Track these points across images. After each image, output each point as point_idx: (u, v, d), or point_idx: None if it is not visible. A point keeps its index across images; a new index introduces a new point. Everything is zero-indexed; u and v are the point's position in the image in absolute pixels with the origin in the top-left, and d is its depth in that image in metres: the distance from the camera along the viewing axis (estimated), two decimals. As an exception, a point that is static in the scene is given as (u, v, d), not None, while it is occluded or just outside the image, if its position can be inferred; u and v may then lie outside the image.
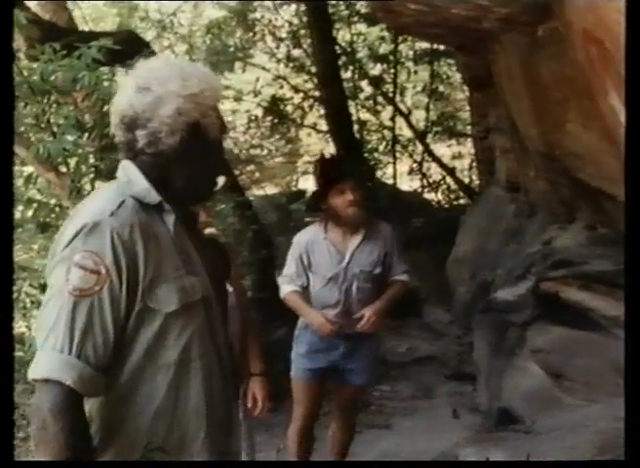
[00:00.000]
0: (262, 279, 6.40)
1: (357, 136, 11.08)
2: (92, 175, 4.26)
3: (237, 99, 11.81)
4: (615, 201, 4.53)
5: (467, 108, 11.56)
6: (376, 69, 11.93)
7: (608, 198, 4.75)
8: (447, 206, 11.97)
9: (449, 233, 8.50)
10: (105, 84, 4.10)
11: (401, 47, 11.62)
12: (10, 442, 1.80)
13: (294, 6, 11.05)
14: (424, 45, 11.01)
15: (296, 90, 11.84)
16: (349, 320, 3.56)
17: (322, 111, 10.15)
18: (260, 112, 11.96)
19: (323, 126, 11.08)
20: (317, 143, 12.24)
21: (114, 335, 1.63)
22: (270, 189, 12.82)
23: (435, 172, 12.43)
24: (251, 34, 11.45)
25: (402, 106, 12.07)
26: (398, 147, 12.30)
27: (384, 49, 11.66)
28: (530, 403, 4.71)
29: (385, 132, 12.16)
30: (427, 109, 12.39)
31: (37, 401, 1.58)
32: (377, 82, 11.76)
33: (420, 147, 12.28)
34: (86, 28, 9.36)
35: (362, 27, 11.51)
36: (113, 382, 1.67)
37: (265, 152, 12.28)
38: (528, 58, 5.01)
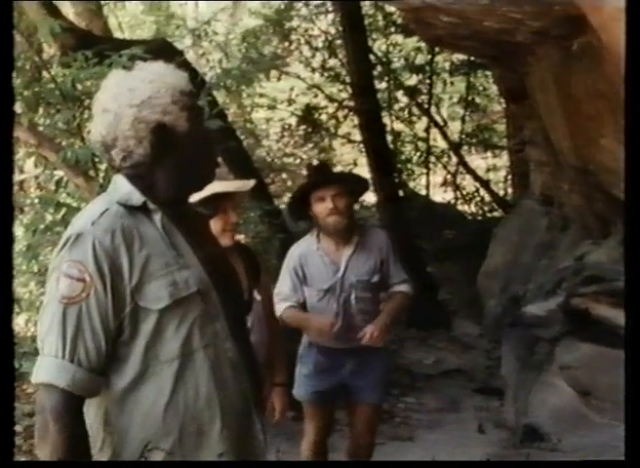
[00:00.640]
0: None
1: (391, 146, 11.04)
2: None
3: (271, 108, 11.87)
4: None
5: (503, 120, 11.51)
6: (411, 80, 11.89)
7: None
8: (480, 218, 11.86)
9: (481, 245, 8.43)
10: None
11: (437, 58, 11.57)
12: (10, 442, 1.85)
13: (330, 15, 11.09)
14: (461, 56, 10.97)
15: (330, 99, 11.85)
16: (351, 334, 3.45)
17: (356, 121, 10.13)
18: (293, 121, 12.00)
19: (357, 136, 11.06)
20: (350, 153, 12.23)
21: (105, 338, 1.72)
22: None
23: (469, 183, 12.34)
24: (287, 43, 11.49)
25: (437, 117, 12.01)
26: (432, 158, 12.24)
27: (420, 59, 11.63)
28: (557, 420, 4.64)
29: (420, 143, 12.11)
30: (463, 121, 12.32)
31: (41, 402, 1.71)
32: (412, 93, 11.71)
33: (454, 159, 12.21)
34: (122, 36, 9.48)
35: (398, 38, 11.49)
36: (119, 382, 1.75)
37: (298, 161, 12.30)
38: (562, 71, 4.97)
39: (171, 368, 1.75)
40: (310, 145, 12.45)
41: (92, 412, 1.76)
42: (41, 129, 4.81)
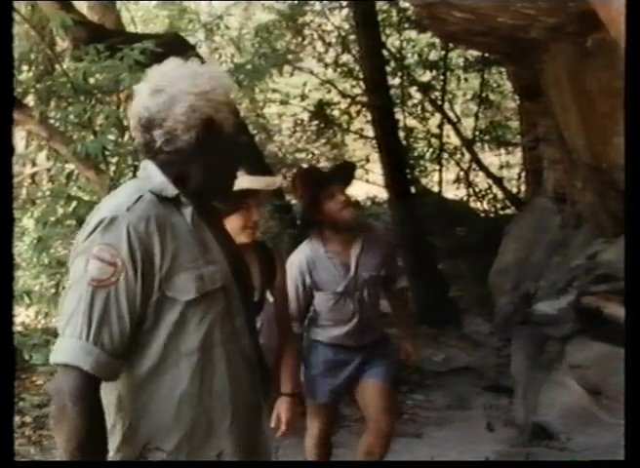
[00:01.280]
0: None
1: (404, 142, 11.00)
2: (130, 175, 4.31)
3: (284, 103, 11.85)
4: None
5: (517, 117, 11.44)
6: (425, 76, 11.84)
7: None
8: (492, 215, 11.81)
9: (493, 243, 8.39)
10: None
11: (451, 54, 11.51)
12: (10, 442, 1.86)
13: (344, 11, 11.05)
14: (475, 52, 10.90)
15: (343, 95, 11.81)
16: (365, 331, 3.47)
17: (369, 117, 10.09)
18: (306, 116, 11.96)
19: (369, 132, 11.03)
20: (363, 149, 12.19)
21: (130, 324, 1.72)
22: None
23: (482, 180, 12.28)
24: (300, 38, 11.47)
25: (450, 114, 11.95)
26: (445, 155, 12.18)
27: (434, 56, 11.58)
28: (566, 419, 4.62)
29: (432, 139, 12.06)
30: (476, 117, 12.26)
31: (58, 384, 1.69)
32: (425, 89, 11.66)
33: (467, 156, 12.15)
34: (135, 30, 9.49)
35: (412, 34, 11.43)
36: (137, 369, 1.76)
37: (310, 156, 12.27)
38: (576, 68, 4.94)
39: (190, 360, 1.76)
40: (322, 141, 12.41)
41: (104, 397, 1.75)
42: (52, 122, 4.83)
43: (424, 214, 9.49)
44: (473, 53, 10.97)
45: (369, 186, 11.70)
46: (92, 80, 4.45)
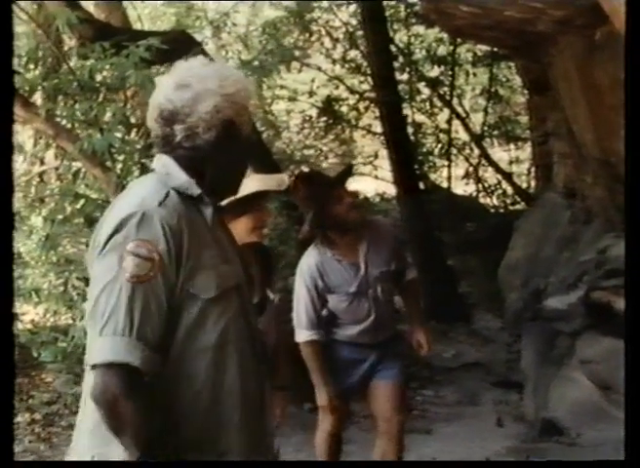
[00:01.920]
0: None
1: (412, 138, 10.97)
2: (137, 173, 4.31)
3: (292, 99, 11.83)
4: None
5: (526, 112, 11.38)
6: (433, 71, 11.79)
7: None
8: (502, 211, 11.76)
9: (502, 238, 8.36)
10: (152, 83, 4.14)
11: (459, 49, 11.45)
12: (10, 442, 1.85)
13: (351, 7, 11.01)
14: (484, 47, 10.85)
15: (351, 91, 11.78)
16: (380, 328, 3.48)
17: (377, 113, 10.06)
18: (314, 113, 11.93)
19: (378, 128, 11.00)
20: (371, 145, 12.16)
21: (167, 318, 1.73)
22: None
23: (491, 176, 12.23)
24: (307, 35, 11.44)
25: (459, 109, 11.90)
26: (454, 151, 12.14)
27: (442, 51, 11.53)
28: (576, 414, 4.61)
29: (441, 135, 12.02)
30: (485, 113, 12.20)
31: (102, 386, 1.65)
32: (434, 84, 11.61)
33: (476, 151, 12.10)
34: (142, 28, 9.49)
35: (420, 29, 11.39)
36: (163, 363, 1.75)
37: (319, 153, 12.25)
38: (585, 61, 4.90)
39: (205, 356, 1.77)
40: (331, 137, 12.39)
41: None
42: (59, 120, 4.84)
43: (433, 210, 9.47)
44: (482, 47, 10.92)
45: (377, 182, 11.69)
46: (98, 77, 4.46)
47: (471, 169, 12.17)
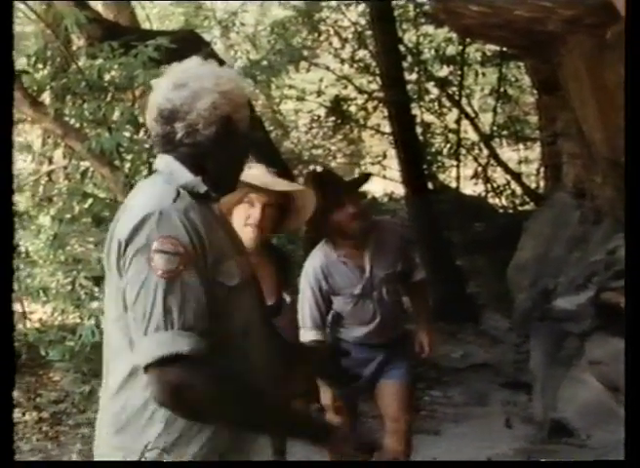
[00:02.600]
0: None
1: (421, 138, 10.95)
2: (145, 172, 4.31)
3: (300, 99, 11.83)
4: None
5: (536, 112, 11.34)
6: (442, 71, 11.76)
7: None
8: (511, 211, 11.72)
9: (511, 238, 8.33)
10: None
11: (469, 49, 11.42)
12: (10, 442, 1.85)
13: (360, 6, 11.00)
14: (493, 47, 10.82)
15: (360, 90, 11.77)
16: (387, 329, 3.46)
17: (386, 113, 10.04)
18: (322, 112, 11.93)
19: (386, 127, 10.98)
20: (380, 145, 12.15)
21: (206, 303, 1.75)
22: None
23: (500, 176, 12.20)
24: (316, 34, 11.43)
25: (468, 109, 11.87)
26: (462, 151, 12.11)
27: (451, 50, 11.50)
28: (585, 416, 4.59)
29: (450, 135, 11.99)
30: (494, 112, 12.17)
31: (159, 386, 1.69)
32: (442, 84, 11.58)
33: (485, 151, 12.07)
34: (150, 28, 9.50)
35: (429, 29, 11.37)
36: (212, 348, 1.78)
37: (327, 153, 12.24)
38: (595, 61, 4.88)
39: (229, 344, 1.81)
40: (339, 137, 12.39)
41: (140, 385, 1.76)
42: (67, 119, 4.85)
43: (442, 210, 9.45)
44: (491, 47, 10.89)
45: (386, 182, 11.67)
46: (106, 77, 4.46)
47: (480, 169, 12.13)
